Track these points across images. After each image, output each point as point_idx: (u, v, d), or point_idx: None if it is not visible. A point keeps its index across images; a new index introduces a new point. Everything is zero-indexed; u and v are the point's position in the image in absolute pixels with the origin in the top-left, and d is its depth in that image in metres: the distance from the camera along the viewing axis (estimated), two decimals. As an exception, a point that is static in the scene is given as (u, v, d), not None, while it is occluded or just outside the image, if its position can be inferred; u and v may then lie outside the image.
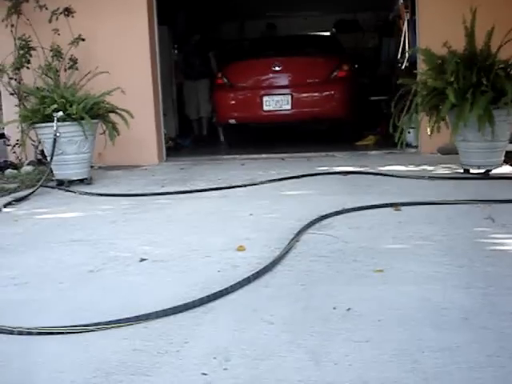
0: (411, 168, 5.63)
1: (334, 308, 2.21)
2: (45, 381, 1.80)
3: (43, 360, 1.96)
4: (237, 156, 6.94)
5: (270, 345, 1.94)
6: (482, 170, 5.07)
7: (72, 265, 3.01)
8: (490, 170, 5.06)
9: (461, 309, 2.16)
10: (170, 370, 1.82)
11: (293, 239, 3.10)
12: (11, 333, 2.17)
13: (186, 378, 1.75)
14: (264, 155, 6.83)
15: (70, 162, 5.54)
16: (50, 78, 6.13)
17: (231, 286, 2.45)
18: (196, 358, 1.87)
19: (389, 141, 6.11)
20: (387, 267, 2.65)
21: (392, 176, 5.11)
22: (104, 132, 5.75)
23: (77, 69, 6.62)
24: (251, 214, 3.87)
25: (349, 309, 2.19)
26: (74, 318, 2.24)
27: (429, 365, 1.75)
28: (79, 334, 2.13)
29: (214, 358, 1.86)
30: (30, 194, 5.06)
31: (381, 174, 5.22)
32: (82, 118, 5.41)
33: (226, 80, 7.87)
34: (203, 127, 10.11)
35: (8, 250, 3.41)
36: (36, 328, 2.17)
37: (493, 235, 3.18)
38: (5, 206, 4.68)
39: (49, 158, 5.55)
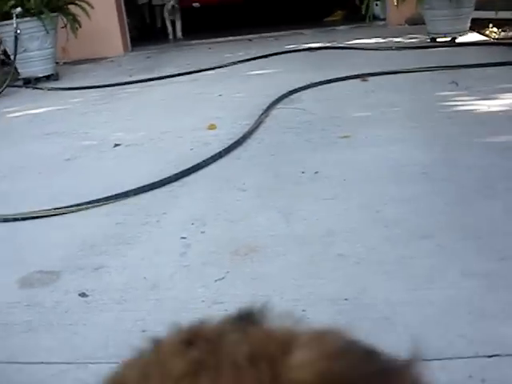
0: (379, 40, 5.61)
1: (303, 172, 2.32)
2: (35, 258, 1.91)
3: (31, 241, 2.08)
4: (204, 41, 6.82)
5: (243, 209, 2.07)
6: (449, 38, 5.08)
7: (48, 156, 3.07)
8: (456, 38, 5.08)
9: (421, 165, 2.29)
10: (150, 237, 1.95)
11: (262, 114, 3.17)
12: (-4, 220, 2.28)
13: (166, 243, 1.89)
14: (231, 38, 6.72)
15: (34, 58, 5.43)
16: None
17: (204, 160, 2.55)
18: (174, 226, 2.00)
19: (357, 15, 6.04)
20: (353, 133, 2.75)
21: (359, 49, 5.11)
22: (65, 25, 5.60)
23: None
24: (220, 95, 3.90)
25: (316, 172, 2.31)
26: (55, 203, 2.33)
27: (389, 214, 1.90)
28: (62, 215, 2.24)
29: (192, 224, 1.99)
30: (-2, 94, 5.00)
31: (348, 48, 5.22)
32: (41, 13, 5.25)
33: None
34: (156, 17, 8.15)
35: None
36: (20, 214, 2.27)
37: (456, 98, 3.27)
38: (-27, 107, 4.64)
39: (12, 57, 5.44)
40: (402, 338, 1.24)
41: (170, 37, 7.51)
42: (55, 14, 5.43)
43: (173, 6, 7.23)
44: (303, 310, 1.41)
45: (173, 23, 7.53)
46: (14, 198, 2.53)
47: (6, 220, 2.26)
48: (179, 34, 7.54)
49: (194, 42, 6.92)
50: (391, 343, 1.20)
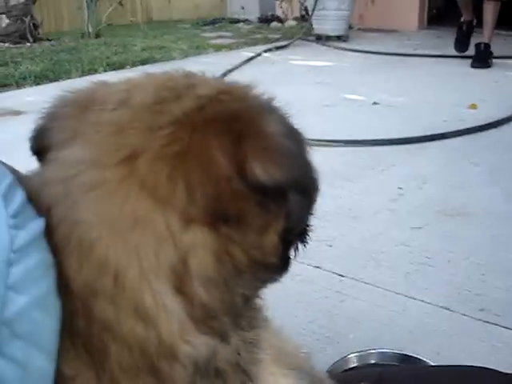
0: None
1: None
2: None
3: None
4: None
5: (467, 179, 2.05)
6: None
7: (312, 99, 3.31)
8: None
9: None
10: (371, 180, 2.06)
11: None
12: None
13: (383, 188, 1.98)
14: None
15: (329, 17, 5.75)
16: None
17: (450, 132, 2.54)
18: (397, 177, 2.07)
19: None
20: None
21: None
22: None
23: None
24: (496, 82, 3.75)
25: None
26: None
27: None
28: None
29: (413, 179, 2.04)
30: (288, 44, 5.44)
31: None
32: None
33: None
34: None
35: (261, 84, 3.82)
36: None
37: None
38: (265, 51, 5.13)
39: (310, 13, 5.83)
40: None
41: None
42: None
43: None
44: (482, 274, 1.40)
45: None
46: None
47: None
48: None
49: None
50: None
